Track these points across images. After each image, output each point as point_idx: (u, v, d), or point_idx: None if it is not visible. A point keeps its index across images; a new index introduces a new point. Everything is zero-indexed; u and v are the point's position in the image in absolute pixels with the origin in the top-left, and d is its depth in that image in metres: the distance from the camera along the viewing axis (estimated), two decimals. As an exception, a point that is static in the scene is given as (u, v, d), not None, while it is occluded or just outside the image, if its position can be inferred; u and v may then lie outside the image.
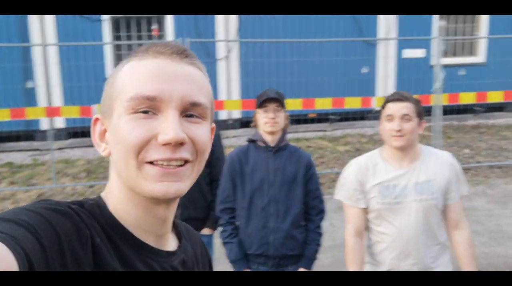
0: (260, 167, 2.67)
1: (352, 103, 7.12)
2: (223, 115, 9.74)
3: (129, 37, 9.62)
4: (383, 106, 2.32)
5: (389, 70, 10.46)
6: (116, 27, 9.62)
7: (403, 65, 10.34)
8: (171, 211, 0.84)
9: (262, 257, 2.67)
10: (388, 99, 2.30)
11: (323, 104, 7.09)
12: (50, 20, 9.19)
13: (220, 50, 9.89)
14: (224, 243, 2.75)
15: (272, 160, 2.67)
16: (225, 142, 3.01)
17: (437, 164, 2.31)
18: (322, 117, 10.03)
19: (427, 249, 2.29)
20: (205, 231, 3.14)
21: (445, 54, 8.16)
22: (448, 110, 8.37)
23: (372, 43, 10.31)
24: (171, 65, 0.77)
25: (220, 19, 9.76)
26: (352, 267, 2.32)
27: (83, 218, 0.72)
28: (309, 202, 2.73)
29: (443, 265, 2.33)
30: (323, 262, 4.92)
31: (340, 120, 10.21)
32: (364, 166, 2.36)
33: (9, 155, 9.08)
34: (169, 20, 9.61)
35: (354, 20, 10.06)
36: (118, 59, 9.71)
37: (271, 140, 2.67)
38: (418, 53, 10.30)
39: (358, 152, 8.15)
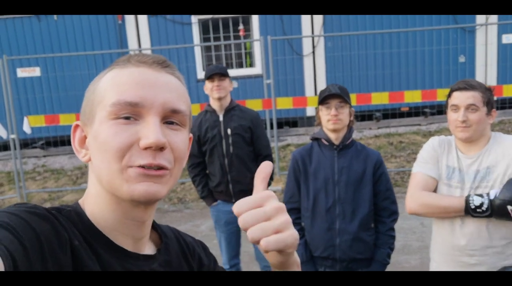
0: (323, 166, 2.57)
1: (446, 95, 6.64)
2: (309, 112, 9.61)
3: (216, 39, 9.86)
4: (449, 95, 2.21)
5: (489, 59, 9.60)
6: (204, 29, 9.92)
7: (504, 52, 9.43)
8: (150, 214, 0.85)
9: (329, 260, 2.57)
10: (454, 88, 2.19)
11: (413, 97, 6.71)
12: (144, 25, 9.70)
13: (306, 46, 9.77)
14: (290, 244, 2.70)
15: (337, 158, 2.56)
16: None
17: (502, 150, 2.13)
18: (417, 111, 9.49)
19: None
20: None
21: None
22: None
23: (469, 30, 9.54)
24: (153, 73, 0.80)
25: (305, 15, 9.64)
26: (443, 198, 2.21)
27: (61, 221, 0.74)
28: (379, 203, 2.58)
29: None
30: (411, 264, 4.66)
31: (436, 113, 9.55)
32: (441, 143, 2.31)
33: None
34: (255, 19, 9.69)
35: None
36: (208, 60, 10.01)
37: (335, 138, 2.56)
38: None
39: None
